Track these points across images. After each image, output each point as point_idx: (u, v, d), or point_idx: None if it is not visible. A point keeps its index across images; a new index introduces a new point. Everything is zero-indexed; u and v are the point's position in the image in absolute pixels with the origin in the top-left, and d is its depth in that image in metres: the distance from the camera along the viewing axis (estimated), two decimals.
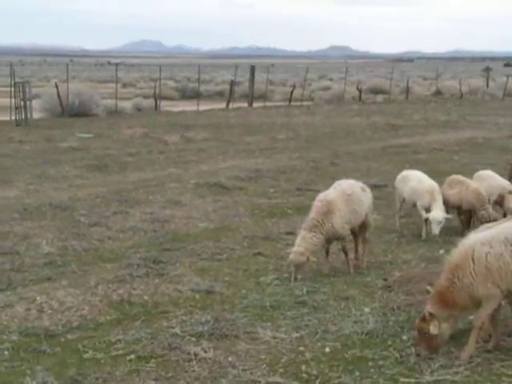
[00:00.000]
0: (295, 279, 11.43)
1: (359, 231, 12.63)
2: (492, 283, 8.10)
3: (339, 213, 11.78)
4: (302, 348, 8.87)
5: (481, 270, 8.11)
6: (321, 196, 12.06)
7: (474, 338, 8.35)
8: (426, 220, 14.05)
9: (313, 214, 11.75)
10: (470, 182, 14.69)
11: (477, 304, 8.29)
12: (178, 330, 9.30)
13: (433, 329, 8.16)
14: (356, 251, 12.73)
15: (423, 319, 8.24)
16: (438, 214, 13.80)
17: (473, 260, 8.15)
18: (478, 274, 8.11)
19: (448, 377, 7.94)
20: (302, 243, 11.54)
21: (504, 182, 15.24)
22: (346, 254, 12.17)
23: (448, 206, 14.29)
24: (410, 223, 15.55)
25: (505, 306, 9.05)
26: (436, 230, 13.81)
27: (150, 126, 34.51)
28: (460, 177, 14.98)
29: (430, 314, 8.20)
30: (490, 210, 14.15)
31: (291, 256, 11.50)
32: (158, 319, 9.80)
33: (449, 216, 13.93)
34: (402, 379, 7.94)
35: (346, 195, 12.03)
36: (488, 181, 15.17)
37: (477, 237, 8.38)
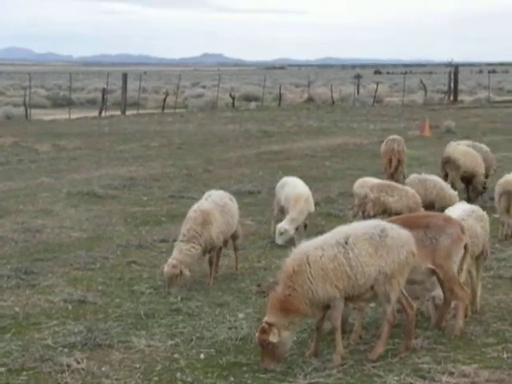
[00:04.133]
0: (169, 293, 11.25)
1: (229, 242, 12.63)
2: (330, 284, 8.30)
3: (216, 223, 11.75)
4: (176, 355, 8.85)
5: (318, 273, 8.30)
6: (195, 207, 12.00)
7: (338, 338, 8.51)
8: (305, 226, 14.34)
9: (189, 224, 11.65)
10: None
11: (317, 309, 8.46)
12: (50, 342, 9.13)
13: (272, 337, 8.21)
14: (217, 263, 12.38)
15: (263, 331, 8.29)
16: (282, 225, 13.99)
17: (309, 264, 8.34)
18: (315, 277, 8.30)
19: (321, 379, 8.07)
20: (177, 255, 11.44)
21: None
22: (211, 264, 12.01)
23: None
24: None
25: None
26: (278, 240, 13.99)
27: (20, 135, 33.71)
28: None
29: (269, 324, 8.28)
30: None
31: (164, 269, 11.37)
32: (29, 331, 9.60)
33: (292, 231, 14.01)
34: (275, 383, 8.00)
35: (219, 206, 12.03)
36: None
37: (308, 243, 8.61)
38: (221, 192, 12.72)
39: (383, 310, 8.68)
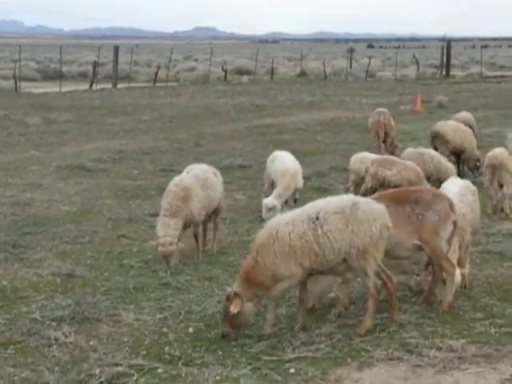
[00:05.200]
0: (170, 268, 11.14)
1: (210, 217, 12.44)
2: (295, 261, 8.30)
3: (196, 197, 11.61)
4: (165, 329, 8.85)
5: (284, 249, 8.29)
6: (176, 181, 11.81)
7: (303, 312, 8.62)
8: (295, 201, 14.30)
9: (170, 199, 11.48)
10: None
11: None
12: (37, 315, 9.11)
13: (233, 308, 8.27)
14: (204, 236, 12.48)
15: (227, 298, 8.36)
16: (269, 200, 13.92)
17: (277, 239, 8.33)
18: (281, 252, 8.30)
19: (309, 353, 8.07)
20: (168, 231, 11.29)
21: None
22: (197, 239, 11.92)
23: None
24: None
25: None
26: (265, 215, 13.88)
27: (9, 108, 33.50)
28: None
29: (235, 293, 8.32)
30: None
31: (161, 249, 11.18)
32: (16, 305, 9.58)
33: (279, 207, 13.92)
34: (264, 357, 8.01)
35: (201, 180, 11.89)
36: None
37: (281, 217, 8.60)
38: (203, 166, 12.55)
39: (365, 284, 8.68)
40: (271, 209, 13.79)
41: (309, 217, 8.40)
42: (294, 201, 14.47)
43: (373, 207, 8.57)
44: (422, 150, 15.84)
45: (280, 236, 8.35)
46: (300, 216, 8.49)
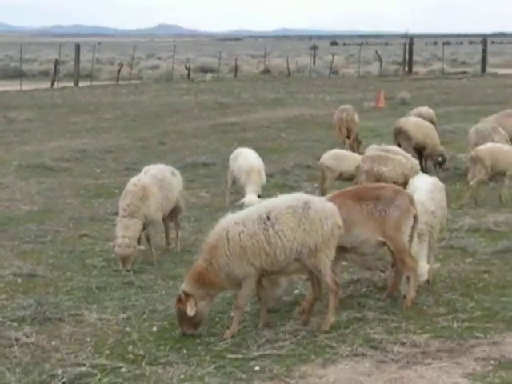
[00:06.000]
0: (127, 271, 11.00)
1: (171, 216, 12.35)
2: (247, 262, 8.30)
3: (154, 198, 11.48)
4: (128, 329, 8.79)
5: (235, 250, 8.28)
6: (134, 180, 11.64)
7: (236, 318, 8.54)
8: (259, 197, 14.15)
9: (128, 199, 11.31)
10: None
11: (234, 284, 8.48)
12: None
13: (190, 310, 8.26)
14: (167, 236, 12.42)
15: (179, 300, 8.35)
16: (251, 199, 13.64)
17: (227, 240, 8.31)
18: (232, 253, 8.29)
19: (274, 351, 8.06)
20: (127, 232, 11.13)
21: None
22: (149, 241, 11.74)
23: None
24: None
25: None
26: None
27: None
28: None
29: (186, 294, 8.31)
30: None
31: (118, 250, 11.04)
32: None
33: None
34: (229, 355, 7.99)
35: (158, 180, 11.76)
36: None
37: (231, 217, 8.56)
38: (161, 166, 12.40)
39: (323, 282, 8.64)
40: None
41: (259, 217, 8.37)
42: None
43: (324, 206, 8.58)
44: (385, 146, 15.90)
45: (230, 236, 8.32)
46: (250, 216, 8.46)
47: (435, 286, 10.02)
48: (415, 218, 9.35)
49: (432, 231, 9.80)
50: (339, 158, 15.31)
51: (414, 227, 9.37)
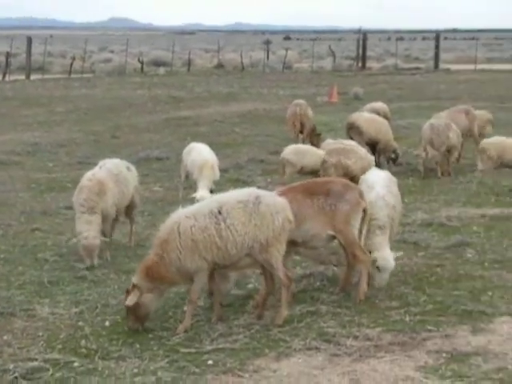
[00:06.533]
0: (92, 266, 10.90)
1: (126, 212, 12.26)
2: (199, 256, 8.31)
3: (110, 193, 11.39)
4: (81, 323, 8.75)
5: (187, 243, 8.30)
6: (89, 175, 11.50)
7: (189, 312, 8.56)
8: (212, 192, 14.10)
9: (85, 194, 11.17)
10: None
11: (185, 278, 8.49)
12: None
13: (129, 300, 8.27)
14: (112, 230, 12.06)
15: (127, 291, 8.37)
16: (202, 195, 13.48)
17: (179, 234, 8.33)
18: (184, 247, 8.31)
19: (227, 345, 8.06)
20: (91, 227, 10.99)
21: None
22: (105, 235, 11.56)
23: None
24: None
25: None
26: None
27: None
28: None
29: (133, 286, 8.32)
30: None
31: (85, 242, 10.88)
32: None
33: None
34: (182, 350, 7.98)
35: (114, 175, 11.66)
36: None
37: (182, 211, 8.57)
38: (116, 160, 12.27)
39: (276, 276, 8.67)
40: None
41: (211, 211, 8.38)
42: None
43: (275, 201, 8.61)
44: (341, 141, 15.98)
45: (182, 230, 8.32)
46: (202, 210, 8.47)
47: (388, 280, 10.08)
48: (365, 211, 9.42)
49: (393, 224, 9.87)
50: (300, 152, 15.39)
51: (363, 221, 9.45)
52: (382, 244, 9.57)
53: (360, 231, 9.41)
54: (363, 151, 14.97)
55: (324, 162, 14.64)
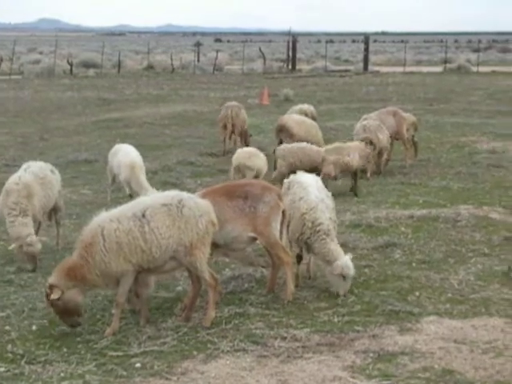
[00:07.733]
0: (34, 270, 10.82)
1: (50, 215, 12.18)
2: (124, 259, 8.31)
3: (37, 196, 11.31)
4: (7, 327, 8.65)
5: (112, 246, 8.29)
6: (15, 179, 11.35)
7: (117, 315, 8.53)
8: (131, 196, 13.96)
9: (14, 198, 11.04)
10: None
11: (109, 281, 8.47)
12: None
13: (54, 294, 8.21)
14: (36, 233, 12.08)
15: (47, 295, 8.31)
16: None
17: (103, 237, 8.31)
18: (109, 250, 8.29)
19: (155, 348, 8.05)
20: (30, 230, 10.90)
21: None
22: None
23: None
24: (121, 198, 15.43)
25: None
26: None
27: None
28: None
29: (51, 286, 8.27)
30: None
31: (31, 248, 10.78)
32: None
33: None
34: (110, 353, 7.94)
35: (39, 178, 11.56)
36: None
37: (105, 215, 8.53)
38: (40, 163, 12.15)
39: (200, 278, 8.68)
40: None
41: (134, 214, 8.37)
42: (129, 196, 14.20)
43: (198, 203, 8.62)
44: (296, 144, 16.06)
45: (106, 234, 8.29)
46: (125, 213, 8.44)
47: (316, 281, 10.18)
48: (284, 213, 9.51)
49: (335, 226, 9.95)
50: (252, 155, 15.26)
51: (283, 222, 9.53)
52: (337, 251, 9.65)
53: (281, 232, 9.49)
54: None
55: (323, 160, 15.18)
